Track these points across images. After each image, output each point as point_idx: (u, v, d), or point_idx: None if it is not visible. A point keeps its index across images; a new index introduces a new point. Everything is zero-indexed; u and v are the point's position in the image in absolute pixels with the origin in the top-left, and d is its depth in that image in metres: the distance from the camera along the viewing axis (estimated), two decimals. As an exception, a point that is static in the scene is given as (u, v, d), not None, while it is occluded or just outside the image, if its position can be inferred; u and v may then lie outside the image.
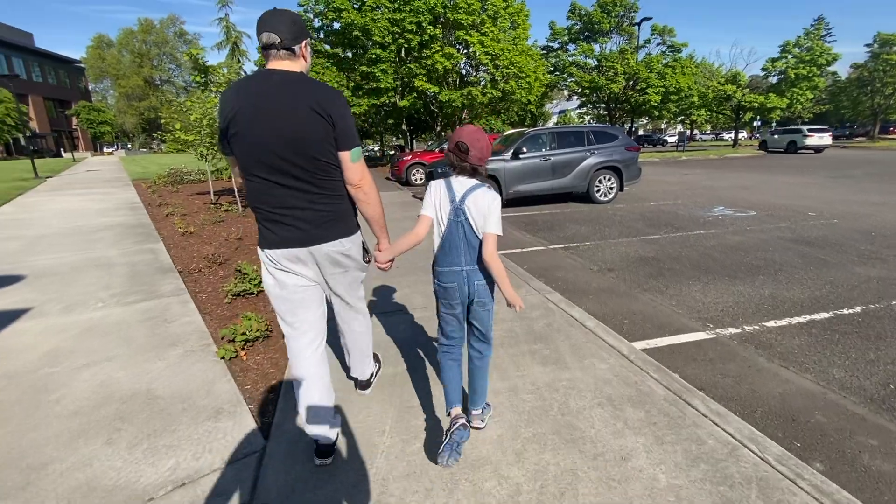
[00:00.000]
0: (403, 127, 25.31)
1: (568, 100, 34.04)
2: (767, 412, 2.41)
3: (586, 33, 29.32)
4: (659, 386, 2.37)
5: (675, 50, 28.72)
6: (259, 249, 1.77)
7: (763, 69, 31.90)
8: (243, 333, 2.84)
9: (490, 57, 18.73)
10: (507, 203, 9.21)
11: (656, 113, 28.39)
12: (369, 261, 1.95)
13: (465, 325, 1.93)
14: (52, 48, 52.74)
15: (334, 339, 2.41)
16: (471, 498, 1.68)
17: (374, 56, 18.67)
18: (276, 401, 2.33)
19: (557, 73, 29.34)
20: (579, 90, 28.88)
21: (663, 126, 64.69)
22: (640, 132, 53.54)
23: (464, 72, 22.22)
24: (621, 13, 28.60)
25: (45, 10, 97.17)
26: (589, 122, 34.93)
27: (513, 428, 2.08)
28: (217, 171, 10.80)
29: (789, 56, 29.65)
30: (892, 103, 38.26)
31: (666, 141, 46.85)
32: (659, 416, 2.13)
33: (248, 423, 2.14)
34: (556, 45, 30.70)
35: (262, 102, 1.55)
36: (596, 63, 28.72)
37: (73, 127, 50.66)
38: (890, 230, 6.34)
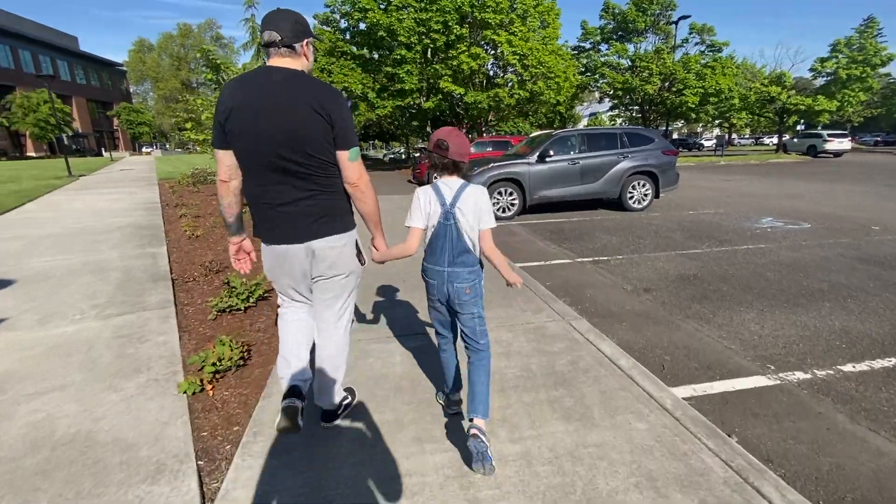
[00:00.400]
0: (428, 129, 24.96)
1: (599, 102, 32.92)
2: (861, 501, 1.82)
3: (620, 33, 28.28)
4: (716, 461, 1.82)
5: (716, 49, 27.34)
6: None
7: (811, 69, 30.00)
8: (213, 363, 2.44)
9: (518, 57, 18.15)
10: (531, 209, 8.65)
11: (693, 116, 27.07)
12: (363, 262, 1.94)
13: (454, 324, 1.99)
14: (96, 52, 55.17)
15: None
16: None
17: (398, 57, 18.40)
18: (232, 456, 1.91)
19: (588, 74, 28.42)
20: (611, 91, 27.85)
21: (699, 129, 62.22)
22: (675, 136, 51.56)
23: (491, 73, 21.71)
24: (657, 11, 27.45)
25: (90, 14, 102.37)
26: (621, 124, 33.71)
27: (522, 518, 1.58)
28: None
29: (840, 55, 27.76)
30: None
31: (702, 145, 44.93)
32: (720, 510, 1.59)
33: (190, 489, 1.72)
34: (587, 46, 29.78)
35: (263, 98, 1.56)
36: (629, 63, 27.65)
37: (114, 127, 52.86)
38: (978, 249, 5.47)
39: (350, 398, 2.20)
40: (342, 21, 20.08)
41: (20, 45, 40.31)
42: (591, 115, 55.13)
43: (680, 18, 26.07)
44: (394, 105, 19.62)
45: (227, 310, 3.38)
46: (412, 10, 18.15)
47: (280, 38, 1.60)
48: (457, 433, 2.01)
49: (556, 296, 3.87)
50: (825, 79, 29.35)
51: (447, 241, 1.79)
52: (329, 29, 21.18)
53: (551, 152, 8.32)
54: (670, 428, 2.03)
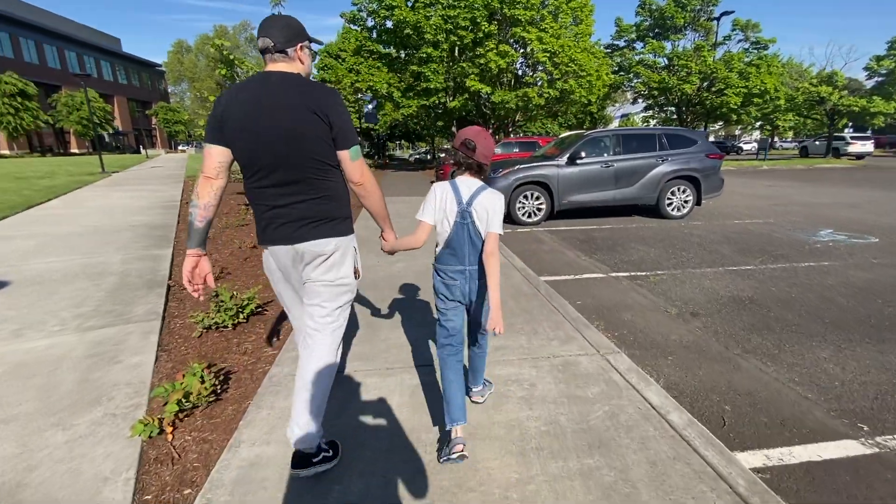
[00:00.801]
0: (453, 129, 24.52)
1: (633, 103, 31.66)
2: None
3: (657, 30, 27.06)
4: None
5: (761, 47, 25.78)
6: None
7: (866, 68, 27.99)
8: (178, 402, 2.05)
9: (549, 54, 17.46)
10: (559, 214, 8.08)
11: (734, 117, 25.59)
12: (358, 276, 1.86)
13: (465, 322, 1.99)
14: (138, 52, 57.37)
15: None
16: None
17: (424, 55, 18.01)
18: (173, 536, 1.51)
19: (622, 73, 27.33)
20: (646, 91, 26.68)
21: (737, 132, 59.44)
22: (711, 138, 49.30)
23: (519, 72, 21.07)
24: (698, 7, 26.09)
25: (132, 17, 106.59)
26: (654, 126, 32.35)
27: None
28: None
29: (900, 53, 25.78)
30: None
31: (741, 148, 42.73)
32: None
33: (108, 589, 1.32)
34: (621, 44, 28.66)
35: (261, 101, 1.57)
36: (666, 62, 26.43)
37: (152, 126, 54.73)
38: None
39: (332, 452, 1.80)
40: (369, 19, 19.86)
41: (67, 47, 42.19)
42: (622, 116, 53.51)
43: (722, 14, 24.70)
44: (419, 104, 19.25)
45: (213, 327, 3.02)
46: (440, 6, 17.73)
47: (273, 43, 1.61)
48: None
49: (588, 319, 3.35)
50: (880, 79, 27.30)
51: (467, 242, 1.80)
52: (356, 28, 21.03)
53: (583, 154, 7.72)
54: (748, 527, 1.50)
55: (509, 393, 2.29)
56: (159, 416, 2.03)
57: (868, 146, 26.89)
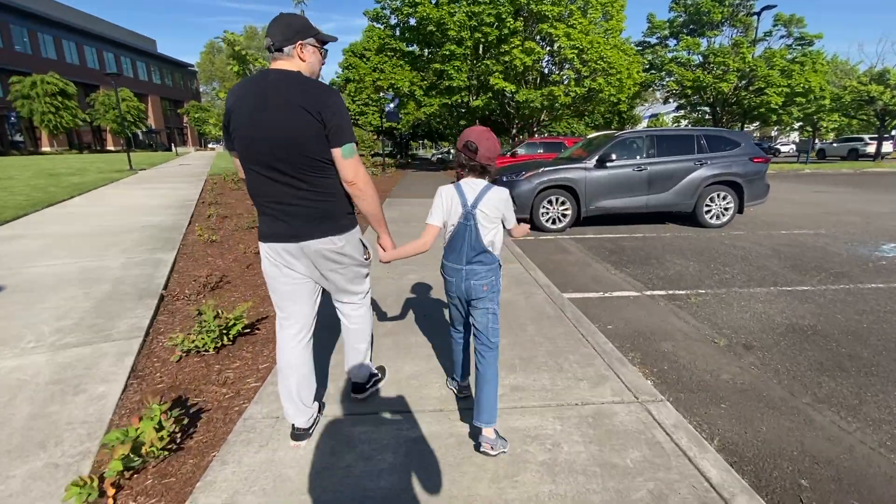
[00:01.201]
0: (477, 128, 24.01)
1: (665, 103, 30.39)
2: None
3: (691, 26, 25.87)
4: None
5: (806, 43, 24.30)
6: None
7: (922, 65, 26.01)
8: (126, 456, 1.70)
9: (576, 51, 16.78)
10: (586, 221, 7.54)
11: (774, 118, 24.17)
12: (369, 258, 1.95)
13: (467, 324, 2.03)
14: (172, 53, 59.06)
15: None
16: None
17: (447, 52, 17.60)
18: None
19: (653, 71, 26.25)
20: (679, 90, 25.53)
21: (773, 133, 56.70)
22: (747, 139, 46.95)
23: (545, 70, 20.41)
24: (737, 2, 24.83)
25: (167, 19, 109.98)
26: (686, 126, 31.00)
27: None
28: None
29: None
30: None
31: (778, 150, 40.66)
32: None
33: None
34: (653, 41, 27.55)
35: (256, 99, 1.60)
36: (701, 59, 25.22)
37: (184, 124, 56.20)
38: None
39: (380, 375, 2.36)
40: (392, 17, 19.58)
41: (105, 48, 43.70)
42: (651, 116, 51.72)
43: (764, 9, 23.46)
44: (440, 103, 18.86)
45: (193, 351, 2.69)
46: (464, 2, 17.28)
47: (272, 42, 1.65)
48: None
49: (622, 350, 2.88)
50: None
51: (466, 242, 1.81)
52: (379, 26, 20.80)
53: (613, 156, 7.16)
54: None
55: (527, 456, 1.86)
56: (101, 474, 1.69)
57: (887, 146, 27.02)
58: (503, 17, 16.80)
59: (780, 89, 21.85)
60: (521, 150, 14.08)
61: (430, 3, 17.72)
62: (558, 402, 2.24)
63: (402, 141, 37.55)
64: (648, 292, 4.31)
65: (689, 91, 24.88)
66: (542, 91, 17.88)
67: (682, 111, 28.67)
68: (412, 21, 18.73)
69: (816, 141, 47.87)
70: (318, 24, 1.94)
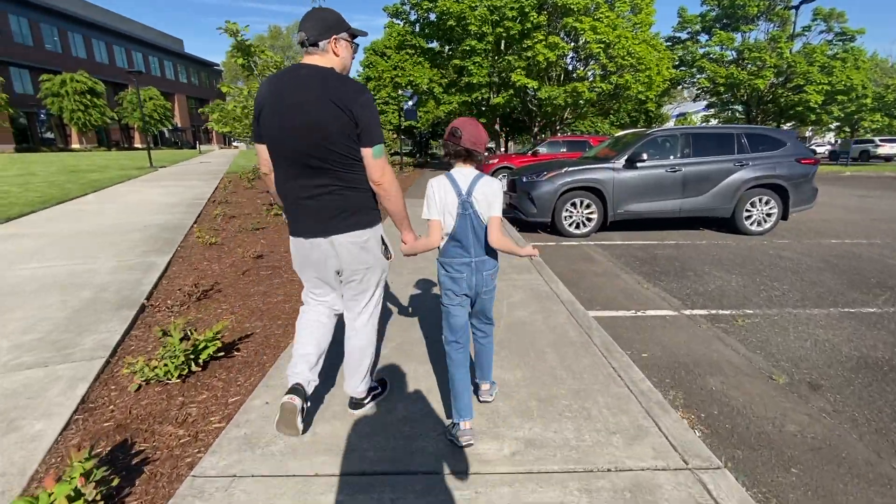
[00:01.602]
0: (496, 127, 23.47)
1: (695, 101, 29.16)
2: None
3: (725, 20, 24.69)
4: None
5: (847, 38, 22.90)
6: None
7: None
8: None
9: (603, 46, 16.07)
10: (612, 226, 6.98)
11: (812, 117, 22.85)
12: (390, 257, 1.95)
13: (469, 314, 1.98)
14: (198, 53, 60.20)
15: None
16: None
17: (468, 48, 17.11)
18: None
19: (684, 67, 25.18)
20: (710, 87, 24.40)
21: (808, 133, 54.15)
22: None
23: (570, 67, 19.71)
24: (774, -6, 23.59)
25: (194, 21, 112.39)
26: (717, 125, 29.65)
27: None
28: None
29: None
30: None
31: (814, 151, 38.74)
32: None
33: None
34: (684, 36, 26.46)
35: (287, 94, 1.61)
36: (735, 55, 24.05)
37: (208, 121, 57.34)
38: None
39: (380, 388, 2.19)
40: (412, 13, 19.19)
41: (134, 47, 44.78)
42: (678, 115, 49.99)
43: (802, 2, 22.16)
44: (460, 101, 18.38)
45: (153, 381, 2.31)
46: (486, -3, 16.78)
47: (307, 37, 1.65)
48: None
49: (661, 387, 2.39)
50: None
51: (471, 231, 1.79)
52: (399, 22, 20.45)
53: (644, 156, 6.59)
54: None
55: (545, 552, 1.40)
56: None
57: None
58: (526, 10, 16.22)
59: (819, 87, 20.62)
60: (542, 149, 13.47)
61: (451, -3, 17.26)
62: (585, 467, 1.76)
63: (422, 140, 37.21)
64: (687, 311, 3.77)
65: (722, 88, 23.76)
66: (566, 88, 17.22)
67: (713, 109, 27.48)
68: (432, 16, 18.33)
69: (837, 140, 45.79)
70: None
